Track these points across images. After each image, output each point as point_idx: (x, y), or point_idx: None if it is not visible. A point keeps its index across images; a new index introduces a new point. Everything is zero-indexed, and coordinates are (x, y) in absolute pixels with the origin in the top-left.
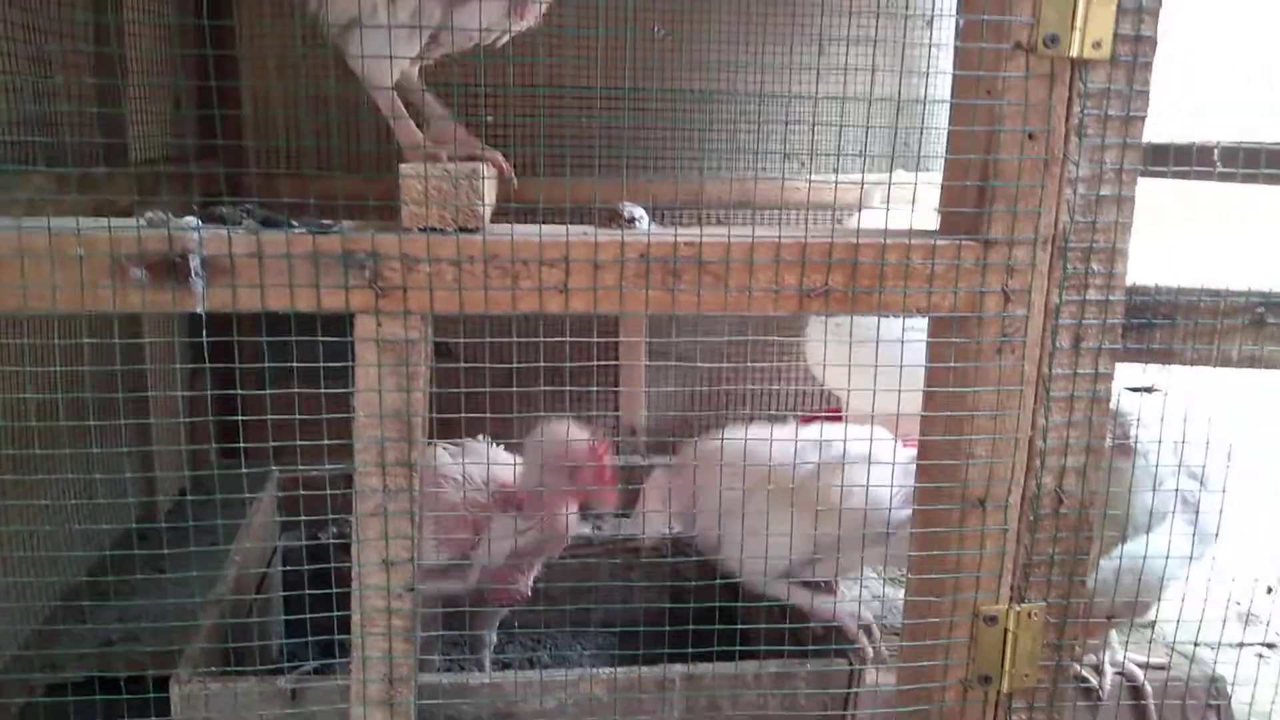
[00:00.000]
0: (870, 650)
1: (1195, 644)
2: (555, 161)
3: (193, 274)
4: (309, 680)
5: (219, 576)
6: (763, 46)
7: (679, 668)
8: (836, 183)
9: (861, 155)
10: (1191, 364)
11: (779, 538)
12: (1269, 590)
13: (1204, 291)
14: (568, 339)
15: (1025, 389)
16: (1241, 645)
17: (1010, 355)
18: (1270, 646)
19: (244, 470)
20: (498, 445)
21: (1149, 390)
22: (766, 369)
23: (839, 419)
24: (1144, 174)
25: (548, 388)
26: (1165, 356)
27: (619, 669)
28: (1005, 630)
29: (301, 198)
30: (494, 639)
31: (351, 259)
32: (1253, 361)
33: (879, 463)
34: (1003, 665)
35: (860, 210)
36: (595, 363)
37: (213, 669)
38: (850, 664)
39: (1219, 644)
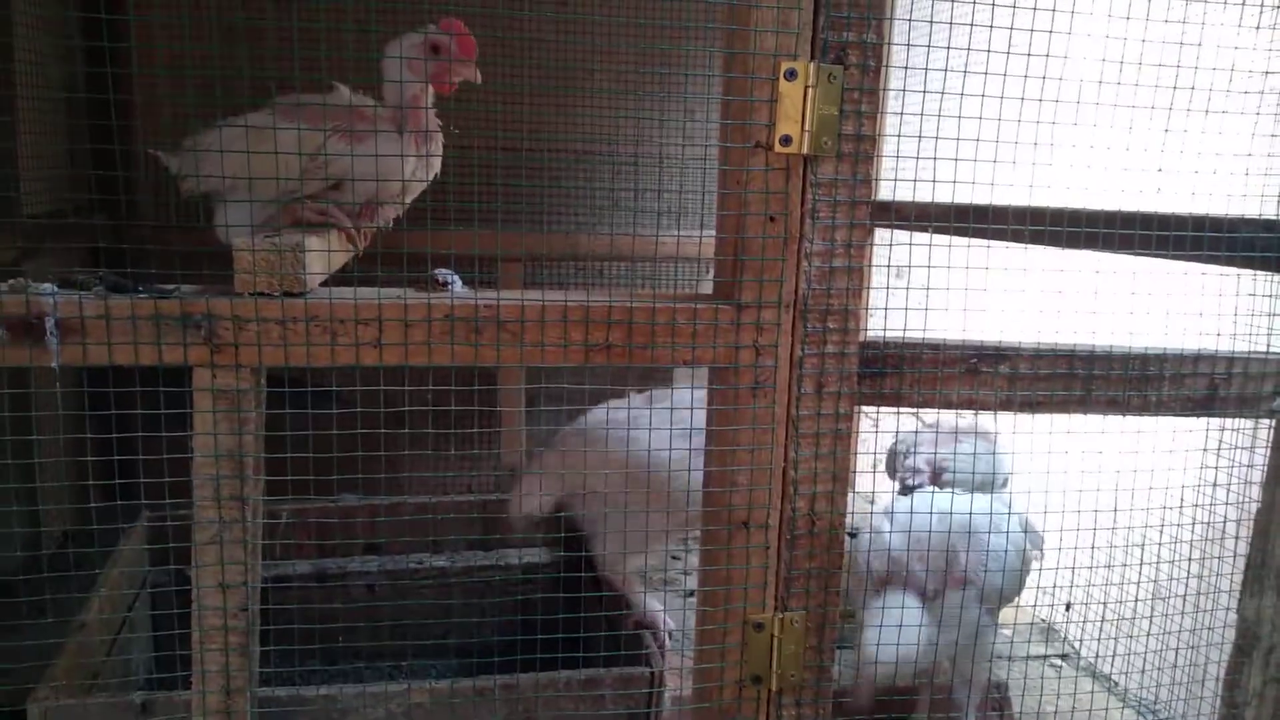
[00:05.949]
0: (668, 650)
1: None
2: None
3: (48, 333)
4: (157, 693)
5: (86, 603)
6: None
7: (497, 677)
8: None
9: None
10: (918, 406)
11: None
12: (1067, 607)
13: (925, 345)
14: (453, 387)
15: (777, 428)
16: (1045, 658)
17: (763, 399)
18: (1064, 658)
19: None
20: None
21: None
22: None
23: None
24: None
25: (435, 430)
26: (896, 400)
27: (441, 680)
28: (771, 636)
29: (193, 247)
30: None
31: (189, 320)
32: (970, 404)
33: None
34: (771, 666)
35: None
36: (476, 407)
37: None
38: (650, 669)
39: (1025, 656)
